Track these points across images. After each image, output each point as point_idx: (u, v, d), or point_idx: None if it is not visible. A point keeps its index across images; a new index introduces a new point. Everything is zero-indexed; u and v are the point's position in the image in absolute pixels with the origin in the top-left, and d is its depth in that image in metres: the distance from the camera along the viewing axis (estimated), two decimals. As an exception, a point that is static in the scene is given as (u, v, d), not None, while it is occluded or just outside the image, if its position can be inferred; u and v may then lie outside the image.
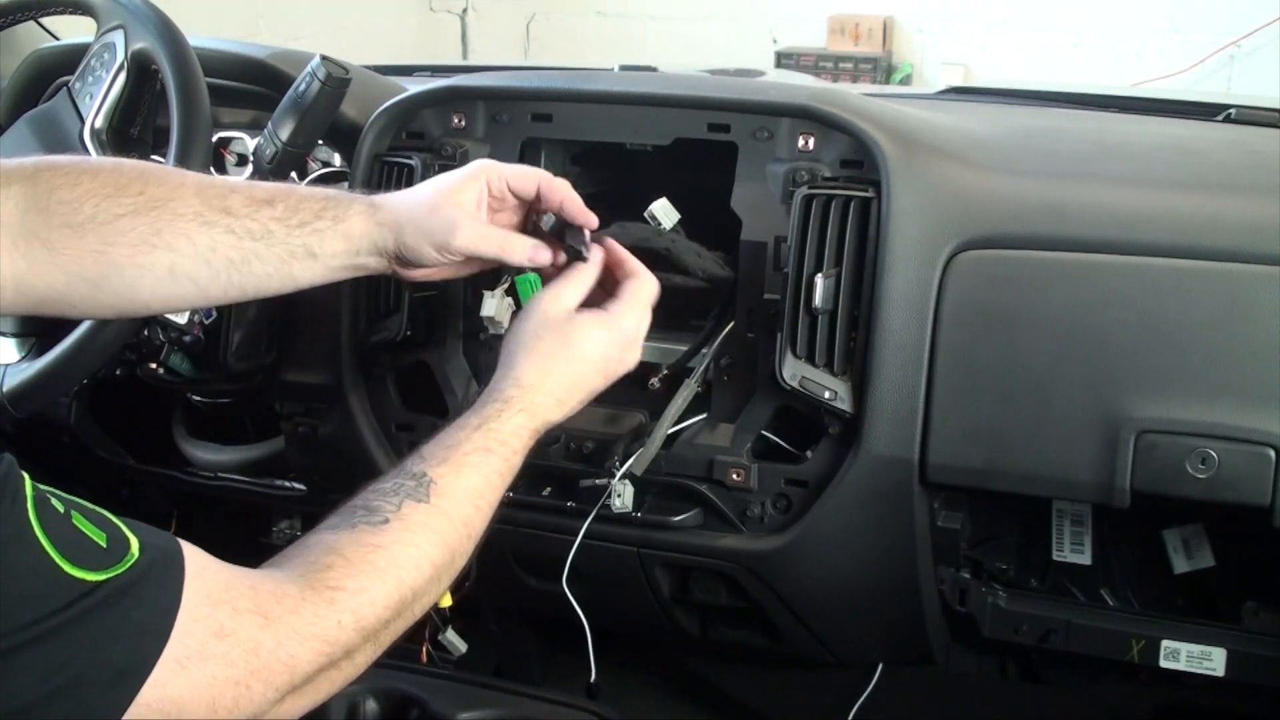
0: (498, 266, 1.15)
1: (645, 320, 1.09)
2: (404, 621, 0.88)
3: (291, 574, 0.82)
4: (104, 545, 0.70)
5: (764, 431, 1.23)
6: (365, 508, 0.89)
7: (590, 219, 1.09)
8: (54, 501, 0.71)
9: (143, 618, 0.71)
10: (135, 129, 1.30)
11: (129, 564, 0.70)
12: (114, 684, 0.69)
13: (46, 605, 0.66)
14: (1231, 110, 1.51)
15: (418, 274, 1.08)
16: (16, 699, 0.65)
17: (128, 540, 0.72)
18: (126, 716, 0.69)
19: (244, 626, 0.75)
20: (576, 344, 1.05)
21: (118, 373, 1.37)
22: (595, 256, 1.09)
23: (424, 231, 1.04)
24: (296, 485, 1.56)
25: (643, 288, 1.09)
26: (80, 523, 0.71)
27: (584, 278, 1.09)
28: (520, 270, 1.27)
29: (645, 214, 1.23)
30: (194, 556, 0.76)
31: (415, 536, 0.88)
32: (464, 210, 1.05)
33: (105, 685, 0.69)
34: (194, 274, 1.01)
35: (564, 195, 1.08)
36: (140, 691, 0.70)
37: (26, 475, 0.70)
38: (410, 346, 1.33)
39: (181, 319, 1.31)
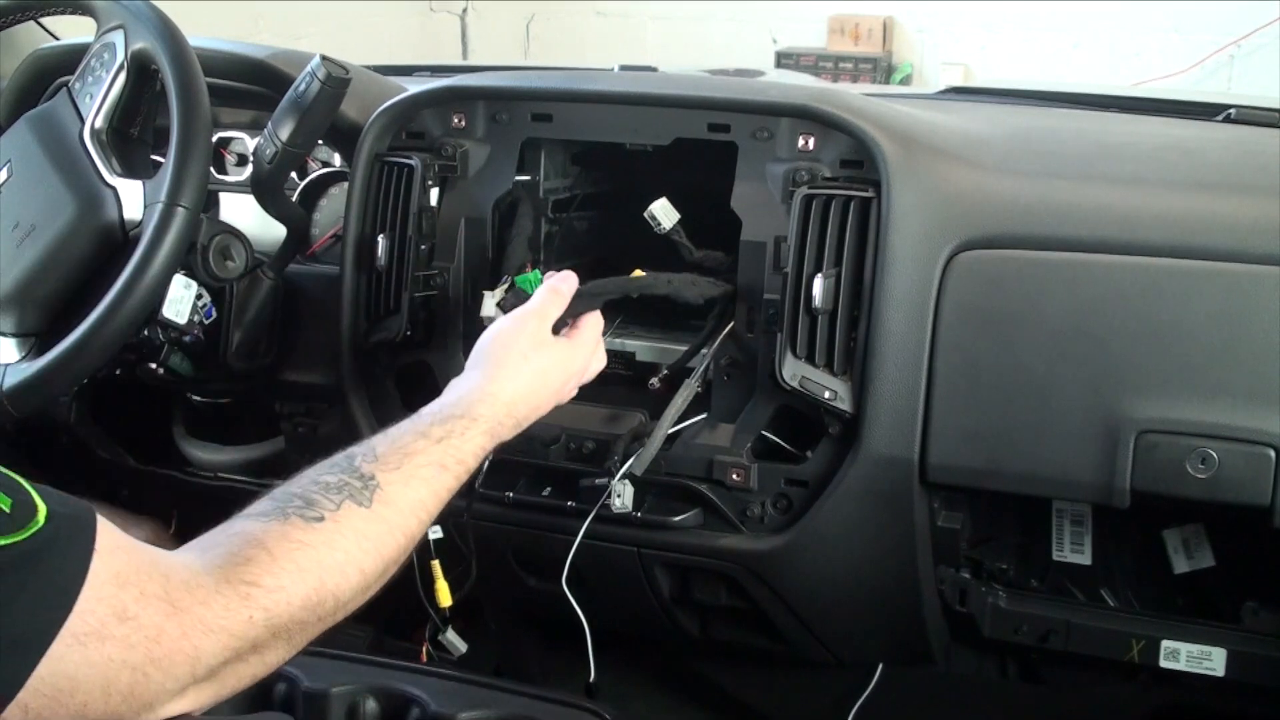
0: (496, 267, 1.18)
1: (598, 360, 1.18)
2: (321, 624, 0.84)
3: (209, 564, 0.79)
4: (6, 510, 0.68)
5: (764, 431, 1.23)
6: (303, 499, 0.87)
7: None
8: None
9: (42, 587, 0.68)
10: (135, 129, 1.30)
11: (31, 531, 0.68)
12: (9, 654, 0.66)
13: None
14: (1231, 110, 1.51)
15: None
16: None
17: (35, 507, 0.69)
18: (23, 695, 0.67)
19: (149, 612, 0.73)
20: (549, 367, 1.10)
21: (118, 373, 1.37)
22: (571, 282, 1.15)
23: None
24: (296, 485, 1.56)
25: (597, 326, 1.17)
26: None
27: (562, 302, 1.14)
28: (520, 270, 1.28)
29: (645, 214, 1.23)
30: (108, 535, 0.73)
31: (347, 542, 0.86)
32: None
33: (3, 652, 0.66)
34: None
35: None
36: (38, 665, 0.67)
37: None
38: (410, 346, 1.33)
39: (182, 319, 1.31)
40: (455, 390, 1.06)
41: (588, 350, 1.16)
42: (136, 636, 0.72)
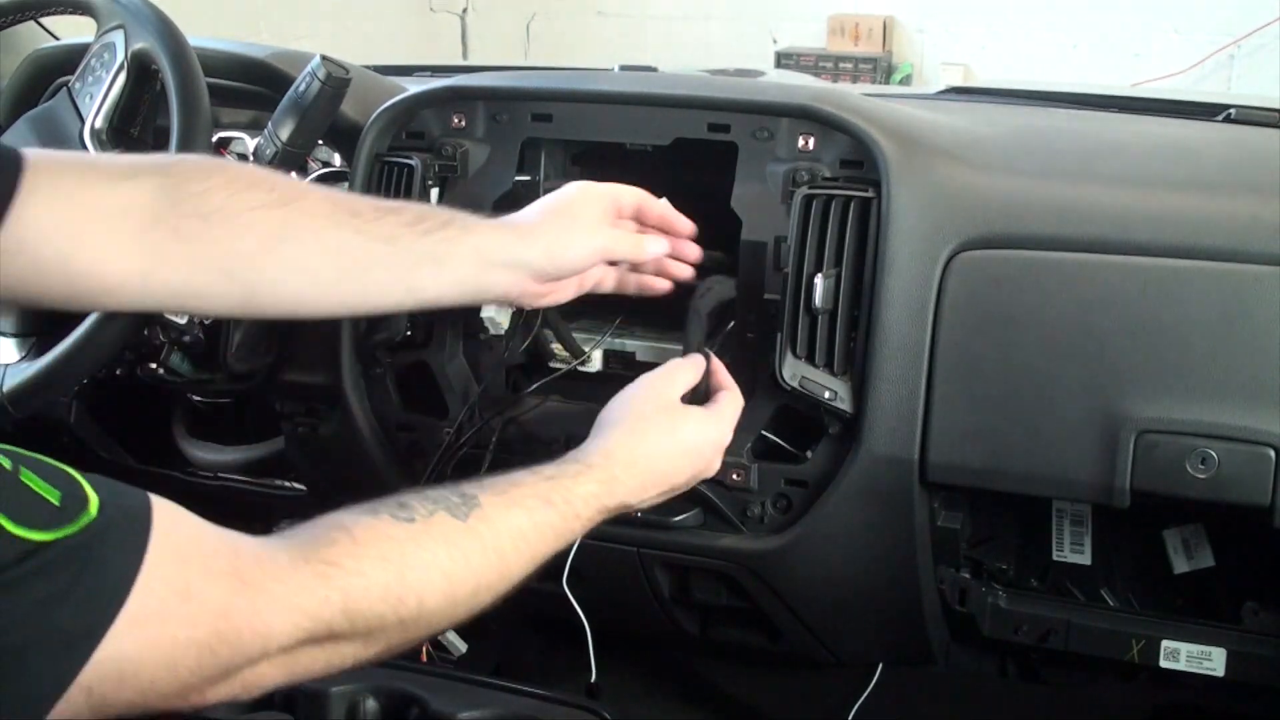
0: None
1: (730, 434, 1.10)
2: (402, 630, 0.82)
3: (288, 544, 0.78)
4: (56, 504, 0.66)
5: (764, 431, 1.23)
6: (398, 503, 0.85)
7: (686, 224, 1.18)
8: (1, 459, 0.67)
9: (96, 581, 0.66)
10: (135, 129, 1.30)
11: (83, 524, 0.66)
12: (61, 652, 0.65)
13: None
14: (1231, 110, 1.51)
15: (545, 292, 1.09)
16: None
17: (86, 499, 0.68)
18: (82, 678, 0.66)
19: (215, 588, 0.71)
20: (680, 433, 1.04)
21: (118, 373, 1.37)
22: (702, 361, 1.11)
23: (568, 234, 1.06)
24: (296, 485, 1.56)
25: (736, 401, 1.10)
26: (29, 479, 0.67)
27: (695, 369, 1.10)
28: None
29: None
30: (168, 514, 0.72)
31: (436, 544, 0.84)
32: (598, 215, 1.10)
33: (52, 654, 0.65)
34: (318, 274, 1.00)
35: (663, 210, 1.16)
36: (95, 652, 0.66)
37: None
38: (410, 346, 1.33)
39: (182, 319, 1.31)
40: (574, 450, 1.03)
41: (727, 425, 1.09)
42: (202, 614, 0.70)
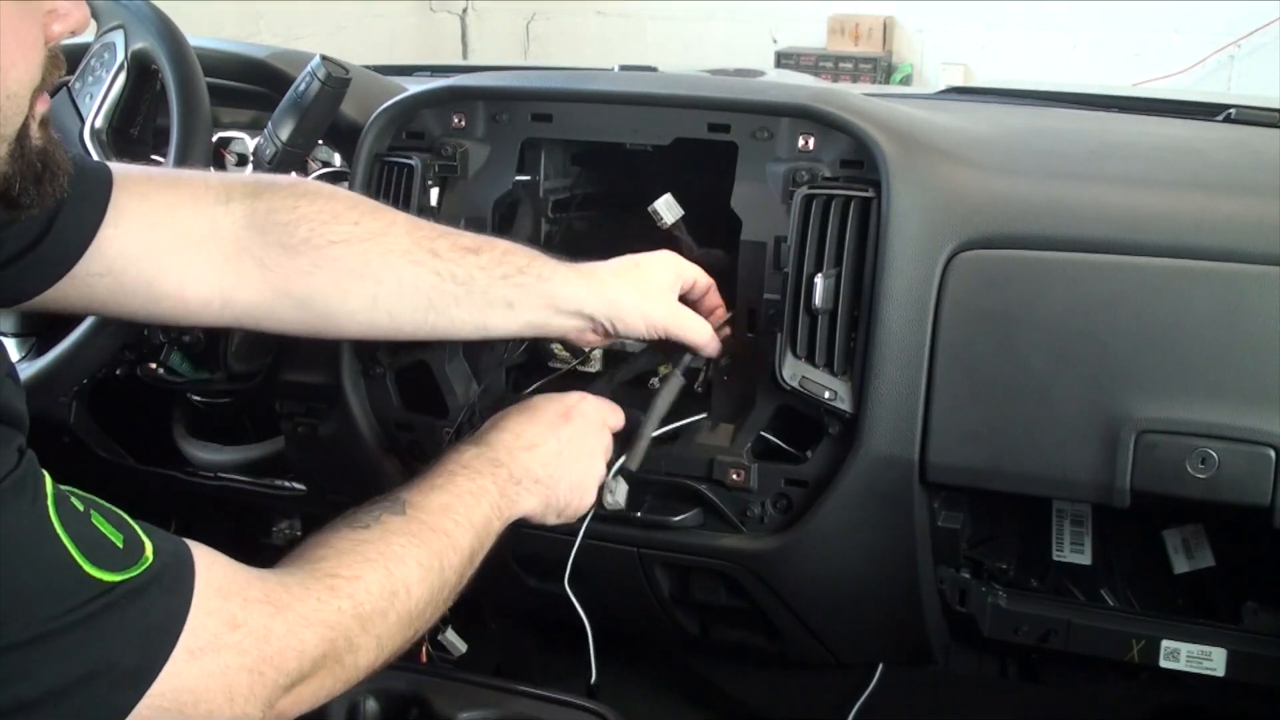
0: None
1: (597, 454, 1.15)
2: (399, 623, 0.89)
3: (292, 568, 0.85)
4: (120, 546, 0.72)
5: (764, 432, 1.23)
6: (346, 518, 0.92)
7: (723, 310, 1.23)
8: (74, 500, 0.72)
9: (155, 620, 0.72)
10: (135, 129, 1.30)
11: (144, 567, 0.72)
12: (124, 682, 0.70)
13: (65, 602, 0.68)
14: (1231, 110, 1.51)
15: (595, 341, 1.16)
16: (29, 691, 0.66)
17: (143, 543, 0.73)
18: (143, 710, 0.71)
19: (255, 616, 0.77)
20: (555, 413, 1.11)
21: (118, 373, 1.37)
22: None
23: (642, 301, 1.12)
24: (296, 485, 1.56)
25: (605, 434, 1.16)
26: (99, 522, 0.72)
27: (617, 419, 1.18)
28: None
29: (649, 209, 1.23)
30: (203, 554, 0.78)
31: (396, 538, 0.91)
32: (666, 289, 1.14)
33: (115, 683, 0.70)
34: (394, 308, 1.06)
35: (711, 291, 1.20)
36: (153, 685, 0.71)
37: (46, 473, 0.71)
38: (410, 346, 1.33)
39: (181, 319, 1.31)
40: None
41: (594, 438, 1.15)
42: (248, 640, 0.77)
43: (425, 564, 0.91)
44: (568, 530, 1.24)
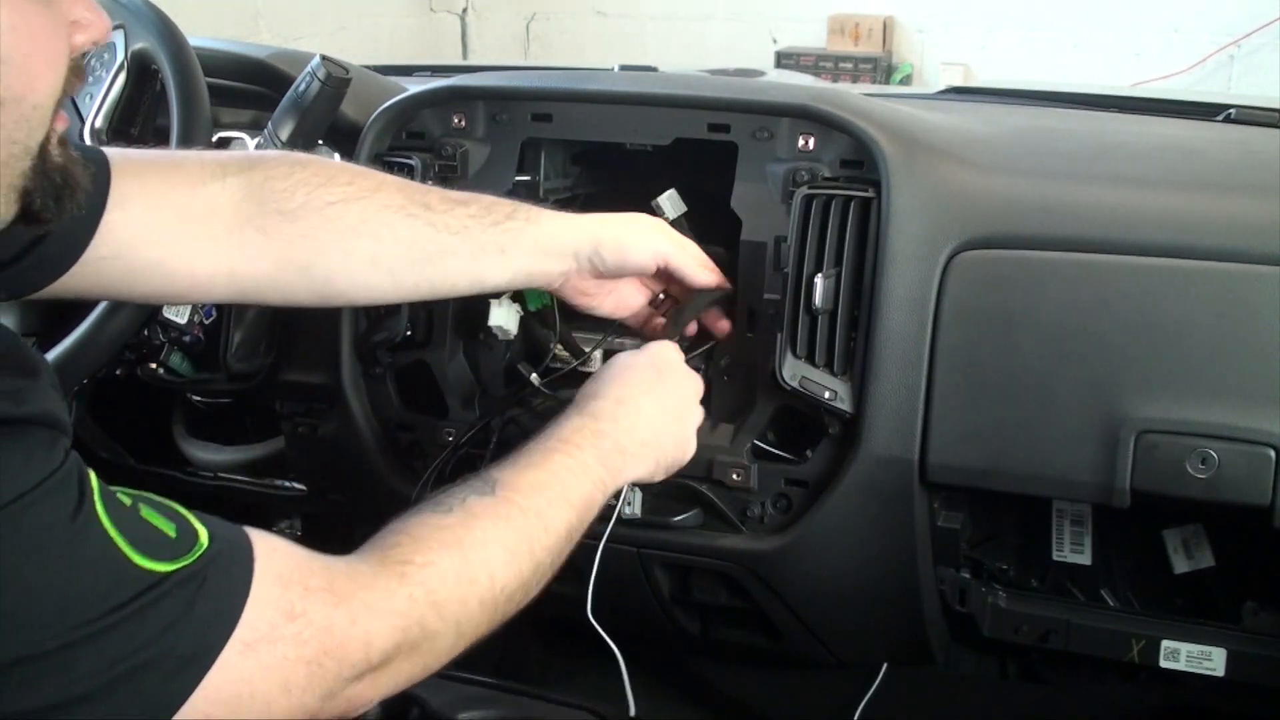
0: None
1: (697, 408, 1.15)
2: (483, 609, 0.87)
3: (363, 555, 0.83)
4: (173, 536, 0.71)
5: (764, 432, 1.23)
6: (431, 502, 0.91)
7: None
8: (120, 495, 0.72)
9: (209, 607, 0.71)
10: (135, 129, 1.30)
11: (197, 554, 0.71)
12: (178, 672, 0.69)
13: (116, 596, 0.67)
14: (1231, 110, 1.51)
15: (590, 291, 1.16)
16: (81, 686, 0.66)
17: (196, 532, 0.73)
18: (198, 702, 0.70)
19: (316, 606, 0.76)
20: (654, 378, 1.10)
21: (118, 373, 1.37)
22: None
23: (630, 231, 1.13)
24: (296, 485, 1.56)
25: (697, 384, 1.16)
26: (148, 514, 0.72)
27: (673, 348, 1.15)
28: None
29: (652, 204, 1.23)
30: (265, 541, 0.77)
31: (481, 521, 0.89)
32: (654, 223, 1.16)
33: (169, 673, 0.69)
34: (393, 265, 1.06)
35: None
36: (206, 676, 0.70)
37: (92, 471, 0.71)
38: (410, 346, 1.33)
39: (182, 319, 1.31)
40: None
41: (696, 396, 1.15)
42: (308, 632, 0.75)
43: (512, 547, 0.89)
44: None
